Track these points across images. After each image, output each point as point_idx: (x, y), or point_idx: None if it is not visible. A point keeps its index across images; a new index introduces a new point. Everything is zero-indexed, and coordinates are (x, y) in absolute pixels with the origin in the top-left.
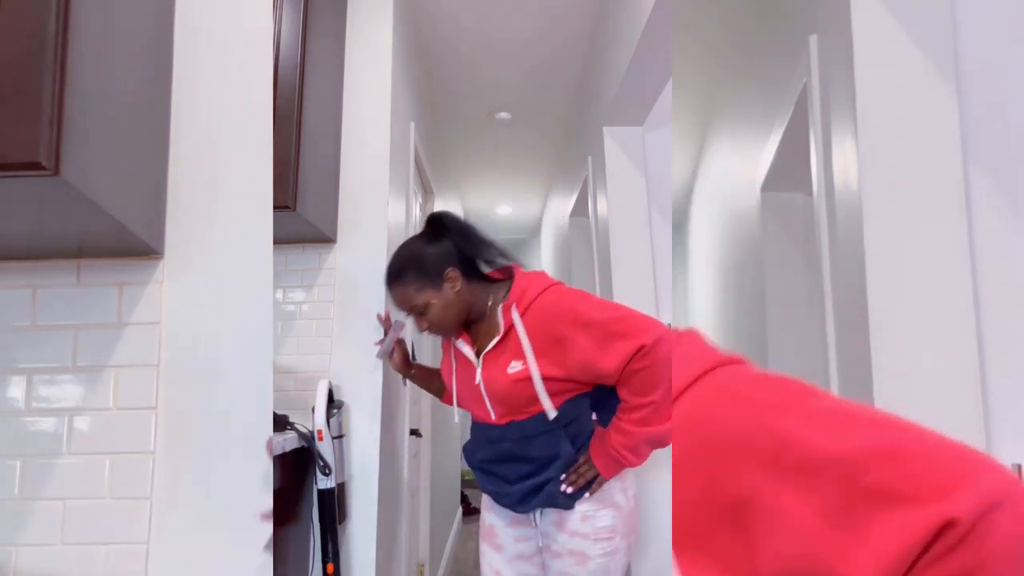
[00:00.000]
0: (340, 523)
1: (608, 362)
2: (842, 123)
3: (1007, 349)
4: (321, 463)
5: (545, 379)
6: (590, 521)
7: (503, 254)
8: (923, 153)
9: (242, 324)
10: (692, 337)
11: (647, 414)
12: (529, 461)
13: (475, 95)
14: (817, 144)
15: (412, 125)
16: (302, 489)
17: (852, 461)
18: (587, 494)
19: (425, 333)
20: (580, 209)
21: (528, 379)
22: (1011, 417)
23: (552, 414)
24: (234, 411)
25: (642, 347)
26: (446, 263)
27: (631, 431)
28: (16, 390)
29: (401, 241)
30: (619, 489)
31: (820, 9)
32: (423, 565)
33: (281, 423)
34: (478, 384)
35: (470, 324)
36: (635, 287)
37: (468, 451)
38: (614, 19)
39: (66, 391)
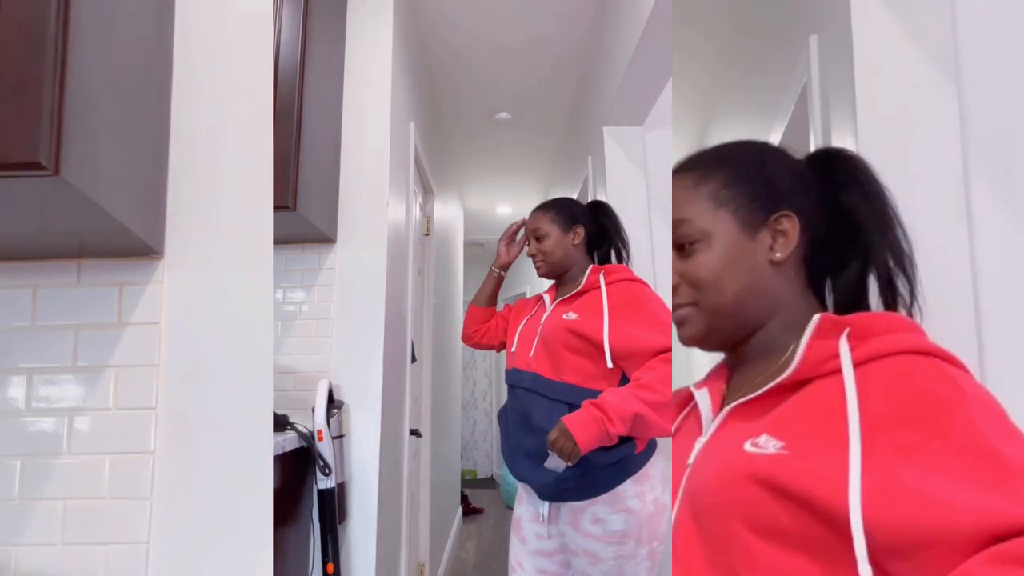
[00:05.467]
0: (340, 523)
1: (650, 341)
2: (842, 123)
3: (1007, 349)
4: (321, 463)
5: (586, 336)
6: (601, 524)
7: (628, 254)
8: (923, 153)
9: (242, 324)
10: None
11: (658, 400)
12: (534, 431)
13: (475, 95)
14: (817, 144)
15: (412, 125)
16: (302, 489)
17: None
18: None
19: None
20: None
21: (573, 330)
22: (1011, 417)
23: (609, 362)
24: (234, 411)
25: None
26: (582, 222)
27: (636, 394)
28: (16, 390)
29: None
30: (633, 494)
31: (820, 9)
32: (423, 565)
33: (281, 423)
34: (541, 324)
35: (559, 284)
36: None
37: (500, 415)
38: (614, 19)
39: (66, 391)
